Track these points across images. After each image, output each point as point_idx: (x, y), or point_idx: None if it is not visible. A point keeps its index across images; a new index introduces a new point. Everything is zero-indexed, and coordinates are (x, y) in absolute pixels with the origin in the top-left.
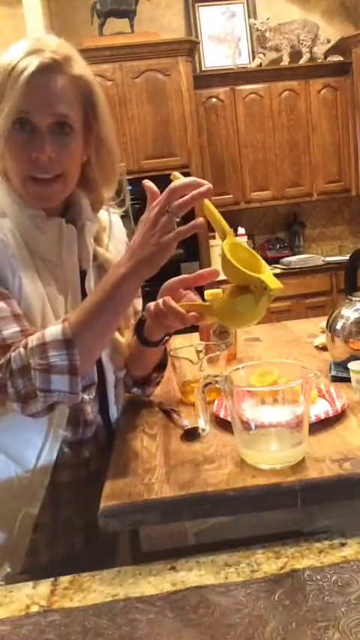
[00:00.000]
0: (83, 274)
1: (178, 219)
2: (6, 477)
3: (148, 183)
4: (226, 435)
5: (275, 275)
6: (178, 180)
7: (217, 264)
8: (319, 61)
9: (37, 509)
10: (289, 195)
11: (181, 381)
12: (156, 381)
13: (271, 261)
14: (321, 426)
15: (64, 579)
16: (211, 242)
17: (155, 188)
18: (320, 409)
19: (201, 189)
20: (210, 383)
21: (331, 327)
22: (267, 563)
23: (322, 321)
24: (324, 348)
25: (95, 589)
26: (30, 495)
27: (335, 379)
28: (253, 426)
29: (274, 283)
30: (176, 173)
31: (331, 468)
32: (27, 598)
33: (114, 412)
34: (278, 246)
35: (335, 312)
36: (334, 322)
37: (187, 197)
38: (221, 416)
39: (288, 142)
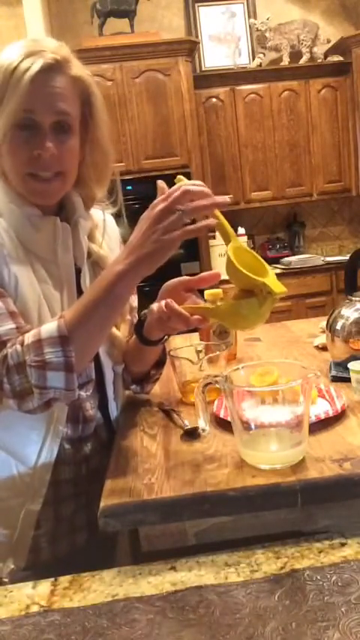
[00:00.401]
0: (78, 272)
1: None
2: (7, 475)
3: (161, 183)
4: (226, 435)
5: (275, 275)
6: (191, 184)
7: (217, 264)
8: (319, 61)
9: (40, 506)
10: (289, 195)
11: (181, 381)
12: (154, 378)
13: (271, 261)
14: (321, 426)
15: (64, 579)
16: (211, 242)
17: (167, 189)
18: (320, 409)
19: (218, 199)
20: (210, 383)
21: (331, 327)
22: (267, 563)
23: (322, 321)
24: (324, 348)
25: (95, 589)
26: (32, 492)
27: (335, 379)
28: (253, 426)
29: (278, 287)
30: (181, 176)
31: (331, 468)
32: (27, 598)
33: (113, 408)
34: (278, 246)
35: (335, 312)
36: (334, 322)
37: (205, 202)
38: (221, 416)
39: (288, 142)
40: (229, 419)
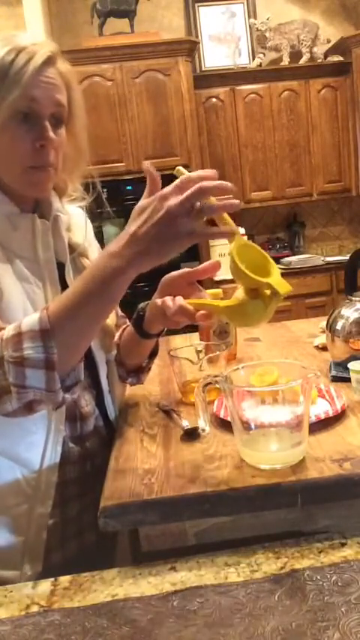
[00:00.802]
0: (61, 267)
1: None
2: (13, 480)
3: (149, 167)
4: (226, 435)
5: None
6: (204, 175)
7: None
8: (319, 61)
9: (49, 508)
10: (289, 195)
11: (181, 381)
12: (149, 366)
13: None
14: (321, 425)
15: (64, 579)
16: (211, 242)
17: (156, 173)
18: (320, 409)
19: (234, 202)
20: (210, 383)
21: (331, 327)
22: (267, 563)
23: (322, 321)
24: (324, 348)
25: (95, 589)
26: (40, 495)
27: (335, 379)
28: (253, 426)
29: (283, 287)
30: (180, 168)
31: (331, 468)
32: (27, 598)
33: (109, 402)
34: (278, 246)
35: (335, 312)
36: (334, 322)
37: (220, 205)
38: (221, 416)
39: (288, 142)
40: (229, 419)
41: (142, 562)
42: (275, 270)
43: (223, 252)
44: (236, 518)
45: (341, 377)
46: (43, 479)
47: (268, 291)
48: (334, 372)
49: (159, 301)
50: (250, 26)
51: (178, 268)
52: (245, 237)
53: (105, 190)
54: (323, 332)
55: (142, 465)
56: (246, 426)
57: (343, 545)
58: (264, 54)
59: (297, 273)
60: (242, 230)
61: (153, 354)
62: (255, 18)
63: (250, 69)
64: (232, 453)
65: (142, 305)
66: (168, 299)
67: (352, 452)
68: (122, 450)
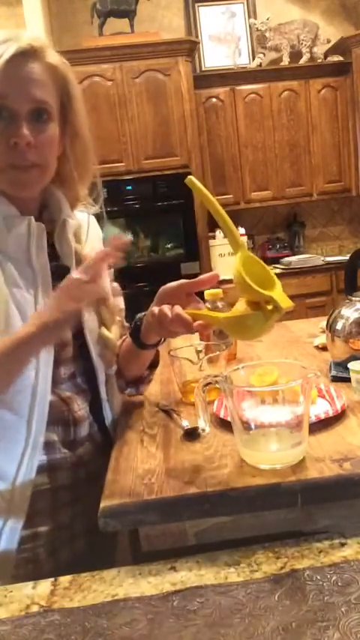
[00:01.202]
0: (67, 272)
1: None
2: None
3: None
4: (226, 435)
5: (275, 275)
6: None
7: (217, 264)
8: (319, 61)
9: (22, 522)
10: (289, 195)
11: (181, 381)
12: (149, 378)
13: (271, 261)
14: (321, 425)
15: (64, 579)
16: (211, 242)
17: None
18: (320, 409)
19: (112, 251)
20: (210, 383)
21: (331, 327)
22: (267, 563)
23: (322, 321)
24: (324, 348)
25: (95, 589)
26: (14, 509)
27: (335, 379)
28: (253, 426)
29: (285, 303)
30: (192, 177)
31: (331, 468)
32: (27, 598)
33: (107, 410)
34: (278, 246)
35: (335, 312)
36: (334, 322)
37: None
38: (221, 416)
39: (288, 142)
40: (229, 419)
41: (142, 562)
42: (278, 284)
43: (222, 253)
44: (236, 518)
45: (341, 377)
46: (17, 492)
47: (270, 306)
48: (334, 372)
49: (156, 309)
50: (250, 26)
51: (179, 267)
52: (245, 238)
53: (105, 190)
54: (323, 332)
55: (142, 465)
56: (246, 426)
57: (343, 545)
58: (264, 54)
59: (297, 273)
60: (242, 230)
61: (153, 365)
62: (255, 18)
63: (250, 69)
64: (232, 453)
65: (139, 315)
66: (165, 307)
67: (352, 452)
68: (122, 450)
